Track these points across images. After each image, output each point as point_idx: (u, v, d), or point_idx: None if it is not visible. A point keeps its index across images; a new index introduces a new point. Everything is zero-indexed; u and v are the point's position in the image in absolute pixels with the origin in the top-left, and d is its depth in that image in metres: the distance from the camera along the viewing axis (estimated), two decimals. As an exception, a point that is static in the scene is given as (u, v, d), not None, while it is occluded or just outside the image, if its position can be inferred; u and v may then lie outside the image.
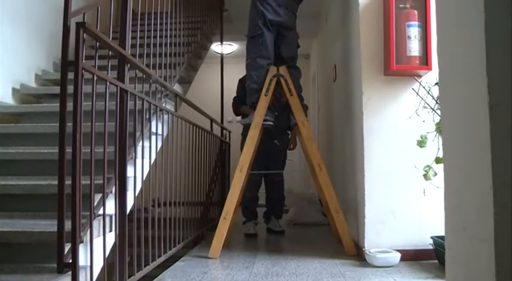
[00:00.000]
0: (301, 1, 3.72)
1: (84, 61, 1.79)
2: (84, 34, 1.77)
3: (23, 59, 4.03)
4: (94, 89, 1.87)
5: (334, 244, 3.56)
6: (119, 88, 2.08)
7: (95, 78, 1.86)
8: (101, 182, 2.08)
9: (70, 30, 1.76)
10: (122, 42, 2.23)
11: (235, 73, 5.21)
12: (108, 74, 2.09)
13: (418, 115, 2.85)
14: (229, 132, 5.40)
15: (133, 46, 2.72)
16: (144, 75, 2.61)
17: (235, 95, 4.53)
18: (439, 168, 2.38)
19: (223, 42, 6.02)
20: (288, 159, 4.64)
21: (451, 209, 1.36)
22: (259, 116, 3.30)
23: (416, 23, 3.01)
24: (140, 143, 2.52)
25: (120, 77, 2.14)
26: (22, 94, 3.90)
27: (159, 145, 3.08)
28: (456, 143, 1.33)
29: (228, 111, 6.18)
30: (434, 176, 2.62)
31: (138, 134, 2.47)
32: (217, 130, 4.88)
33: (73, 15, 1.77)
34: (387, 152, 3.00)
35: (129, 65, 2.26)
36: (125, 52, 2.15)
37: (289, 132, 4.36)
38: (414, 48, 2.99)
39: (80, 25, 1.71)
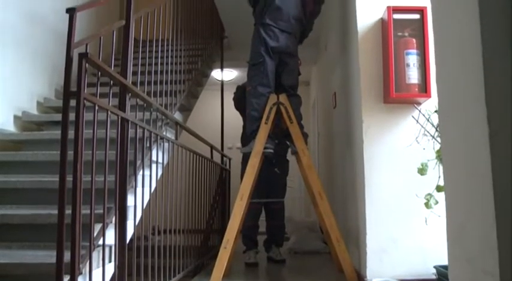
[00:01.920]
0: (304, 28, 3.76)
1: (86, 89, 1.81)
2: (87, 64, 1.79)
3: (26, 87, 4.06)
4: (95, 119, 1.87)
5: (336, 274, 3.52)
6: (120, 117, 2.09)
7: (97, 108, 1.86)
8: (101, 211, 2.07)
9: (73, 60, 1.77)
10: (124, 71, 2.25)
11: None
12: (109, 101, 2.11)
13: (418, 143, 2.85)
14: (230, 159, 5.39)
15: (134, 73, 2.75)
16: (145, 104, 2.63)
17: (235, 121, 4.54)
18: (441, 196, 2.37)
19: (224, 69, 6.07)
20: (288, 186, 4.63)
21: (453, 240, 1.35)
22: (260, 144, 3.30)
23: (414, 51, 3.04)
24: (141, 172, 2.52)
25: (122, 106, 2.15)
26: (23, 121, 3.91)
27: (160, 173, 3.08)
28: (457, 173, 1.33)
29: (228, 137, 6.22)
30: (435, 204, 2.60)
31: (138, 162, 2.47)
32: (217, 157, 4.88)
33: (76, 46, 1.79)
34: (388, 180, 2.99)
35: (130, 94, 2.27)
36: (126, 82, 2.17)
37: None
38: (413, 76, 3.01)
39: (82, 56, 1.72)
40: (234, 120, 4.61)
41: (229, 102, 5.79)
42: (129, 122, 2.20)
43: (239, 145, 4.61)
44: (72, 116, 1.80)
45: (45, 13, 4.32)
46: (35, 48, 4.18)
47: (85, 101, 1.80)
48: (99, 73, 1.99)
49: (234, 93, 4.64)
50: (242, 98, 3.78)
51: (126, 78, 2.25)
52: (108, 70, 1.93)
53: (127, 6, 2.34)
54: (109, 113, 2.01)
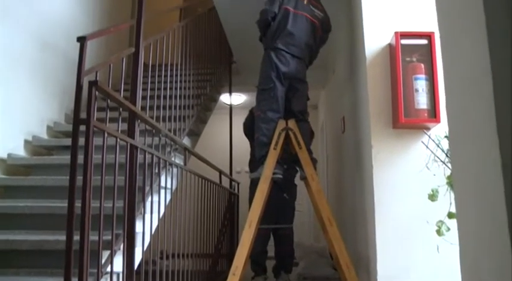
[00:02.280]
0: (314, 54, 3.78)
1: (95, 116, 1.82)
2: (96, 92, 1.80)
3: (36, 111, 4.09)
4: (104, 145, 1.88)
5: (346, 300, 3.45)
6: (129, 144, 2.10)
7: (106, 135, 1.87)
8: (109, 238, 2.06)
9: (83, 87, 1.79)
10: (133, 98, 2.26)
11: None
12: (118, 127, 2.12)
13: (428, 169, 2.83)
14: (238, 183, 5.38)
15: (143, 97, 2.76)
16: (154, 130, 2.64)
17: (243, 145, 4.53)
18: (452, 223, 2.33)
19: (232, 93, 6.10)
20: (296, 210, 4.59)
21: (466, 270, 1.32)
22: (269, 169, 3.29)
23: (423, 76, 3.04)
24: (149, 198, 2.52)
25: (131, 133, 2.16)
26: (34, 146, 3.93)
27: (168, 198, 3.07)
28: (469, 200, 1.31)
29: (237, 161, 6.22)
30: (447, 231, 2.56)
31: (147, 188, 2.47)
32: (226, 181, 4.87)
33: (86, 73, 1.81)
34: (398, 206, 2.96)
35: (139, 120, 2.28)
36: (135, 108, 2.18)
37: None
38: (422, 101, 3.00)
39: (92, 84, 1.74)
40: (243, 144, 4.60)
41: (237, 126, 5.81)
42: (138, 148, 2.20)
43: (248, 169, 4.60)
44: (81, 141, 1.82)
45: (57, 40, 4.39)
46: (46, 74, 4.23)
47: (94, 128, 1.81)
48: (108, 100, 2.00)
49: (246, 118, 4.63)
50: (252, 124, 3.78)
51: (135, 104, 2.26)
52: (117, 97, 1.95)
53: (136, 34, 2.37)
54: (118, 140, 2.01)
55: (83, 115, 1.81)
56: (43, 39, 4.18)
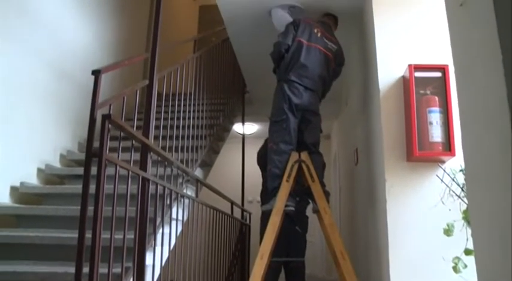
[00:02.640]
0: (327, 87, 3.78)
1: (108, 147, 1.82)
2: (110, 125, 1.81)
3: (50, 140, 4.12)
4: (116, 178, 1.87)
5: None
6: (141, 177, 2.09)
7: (118, 168, 1.87)
8: (119, 270, 2.04)
9: (96, 120, 1.79)
10: (146, 130, 2.26)
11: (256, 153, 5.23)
12: (131, 159, 2.12)
13: (443, 203, 2.78)
14: (250, 213, 5.34)
15: (156, 127, 2.76)
16: (167, 162, 2.63)
17: (256, 174, 4.50)
18: (470, 260, 2.27)
19: (245, 123, 6.11)
20: (308, 241, 4.53)
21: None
22: (281, 202, 3.25)
23: (437, 108, 3.02)
24: (160, 230, 2.50)
25: (143, 166, 2.16)
26: (46, 174, 3.95)
27: (179, 230, 3.05)
28: (486, 237, 1.27)
29: (249, 191, 6.18)
30: (464, 268, 2.49)
31: (158, 220, 2.45)
32: (237, 211, 4.84)
33: (100, 106, 1.82)
34: (413, 240, 2.90)
35: (152, 152, 2.28)
36: (148, 141, 2.18)
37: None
38: (436, 134, 2.98)
39: (105, 117, 1.74)
40: (255, 173, 4.58)
41: (250, 155, 5.81)
42: (150, 181, 2.19)
43: (259, 198, 4.57)
44: (94, 170, 1.81)
45: (73, 69, 4.45)
46: (61, 102, 4.28)
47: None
48: (121, 133, 2.00)
49: (261, 147, 4.60)
50: (266, 154, 3.77)
51: (148, 136, 2.26)
52: (130, 130, 1.95)
53: (150, 68, 2.39)
54: (130, 173, 2.01)
55: (96, 144, 1.82)
56: (59, 69, 4.24)
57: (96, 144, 1.81)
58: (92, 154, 1.75)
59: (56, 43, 4.20)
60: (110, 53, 5.27)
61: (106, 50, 5.20)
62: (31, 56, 3.82)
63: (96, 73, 1.88)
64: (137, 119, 2.54)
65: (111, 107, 2.09)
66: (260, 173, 4.55)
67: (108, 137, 1.83)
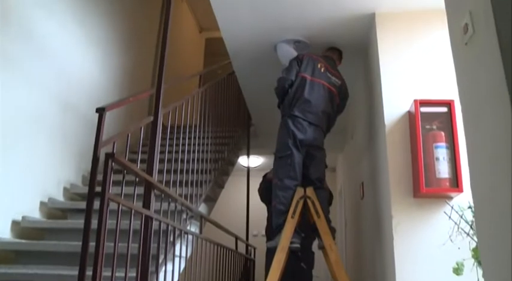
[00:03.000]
0: (332, 122, 3.76)
1: (111, 183, 1.79)
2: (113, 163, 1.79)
3: (54, 172, 4.10)
4: (118, 218, 1.84)
5: None
6: (143, 215, 2.06)
7: (120, 207, 1.84)
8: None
9: (99, 158, 1.78)
10: (150, 168, 2.24)
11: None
12: (134, 198, 2.09)
13: (452, 241, 2.72)
14: (254, 248, 5.26)
15: (161, 161, 2.74)
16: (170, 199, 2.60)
17: (261, 207, 4.45)
18: (481, 302, 2.21)
19: (250, 155, 6.08)
20: (315, 276, 4.43)
21: None
22: (286, 239, 3.20)
23: (444, 144, 3.00)
24: (163, 268, 2.45)
25: (146, 204, 2.13)
26: (49, 208, 3.91)
27: (182, 266, 2.99)
28: (499, 279, 1.22)
29: (254, 224, 6.10)
30: (475, 311, 2.42)
31: (161, 257, 2.40)
32: (242, 245, 4.77)
33: (104, 144, 1.80)
34: (421, 279, 2.83)
35: (155, 190, 2.25)
36: (152, 179, 2.15)
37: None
38: (443, 170, 2.94)
39: (109, 156, 1.73)
40: (260, 206, 4.52)
41: (255, 188, 5.75)
42: (153, 219, 2.16)
43: (264, 232, 4.50)
44: (97, 204, 1.78)
45: (78, 102, 4.47)
46: (65, 135, 4.27)
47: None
48: (125, 171, 1.98)
49: (260, 183, 4.58)
50: (266, 189, 3.73)
51: (151, 174, 2.23)
52: (134, 169, 1.93)
53: (155, 105, 2.38)
54: (133, 211, 1.98)
55: (99, 176, 1.79)
56: (65, 101, 4.25)
57: (99, 177, 1.78)
58: (94, 193, 1.72)
59: (62, 75, 4.22)
60: (116, 85, 5.30)
61: (112, 82, 5.23)
62: (37, 88, 3.83)
63: (101, 111, 1.87)
64: (142, 152, 2.53)
65: (116, 141, 2.08)
66: (264, 206, 4.50)
67: (111, 175, 1.80)
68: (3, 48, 3.40)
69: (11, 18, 3.49)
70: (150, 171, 2.24)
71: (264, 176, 4.55)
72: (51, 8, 4.07)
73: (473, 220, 2.61)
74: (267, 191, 3.79)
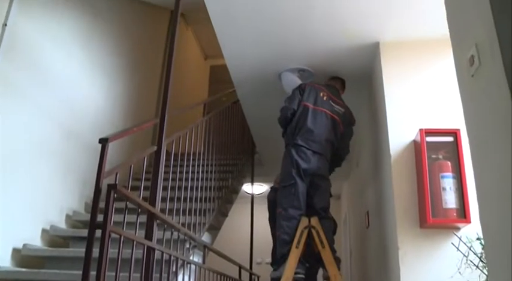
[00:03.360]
0: (336, 150, 3.74)
1: (113, 214, 1.77)
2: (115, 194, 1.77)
3: (56, 199, 4.07)
4: (120, 251, 1.81)
5: None
6: (145, 246, 2.03)
7: (122, 239, 1.81)
8: None
9: (101, 190, 1.76)
10: (153, 198, 2.21)
11: (265, 213, 5.13)
12: (136, 226, 2.06)
13: (460, 274, 2.66)
14: (258, 276, 5.18)
15: (164, 188, 2.71)
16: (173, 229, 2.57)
17: (264, 234, 4.37)
18: None
19: (254, 183, 6.05)
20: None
21: None
22: (290, 269, 3.15)
23: (450, 174, 2.97)
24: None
25: (148, 234, 2.09)
26: (51, 235, 3.87)
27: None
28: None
29: (258, 251, 6.03)
30: None
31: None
32: (246, 274, 4.70)
33: (106, 175, 1.78)
34: (429, 313, 2.77)
35: (158, 221, 2.22)
36: (155, 210, 2.13)
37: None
38: (450, 200, 2.91)
39: (111, 187, 1.70)
40: (264, 234, 4.45)
41: (258, 215, 5.71)
42: (155, 250, 2.12)
43: (269, 259, 4.42)
44: (98, 232, 1.75)
45: (81, 129, 4.46)
46: (68, 161, 4.26)
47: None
48: (127, 203, 1.96)
49: (269, 191, 4.45)
50: (274, 202, 3.65)
51: (154, 204, 2.20)
52: (136, 200, 1.91)
53: (159, 135, 2.37)
54: (135, 242, 1.95)
55: (102, 204, 1.77)
56: (68, 129, 4.25)
57: (102, 204, 1.76)
58: (95, 225, 1.70)
59: (65, 102, 4.23)
60: (121, 112, 5.31)
61: (116, 109, 5.25)
62: (40, 115, 3.84)
63: (104, 142, 1.86)
64: (145, 179, 2.51)
65: (119, 172, 2.07)
66: (269, 233, 4.40)
67: (113, 207, 1.78)
68: (8, 75, 3.42)
69: (17, 45, 3.52)
70: (153, 201, 2.21)
71: (272, 187, 4.43)
72: (56, 35, 4.11)
73: (483, 252, 2.56)
74: (273, 203, 3.72)
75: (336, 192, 8.12)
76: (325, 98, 3.67)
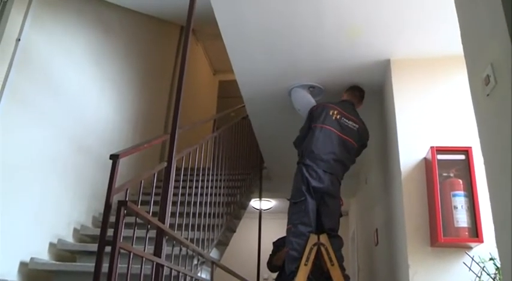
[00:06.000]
0: (348, 168, 3.71)
1: (123, 229, 1.76)
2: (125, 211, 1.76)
3: (64, 213, 4.06)
4: (129, 267, 1.79)
5: None
6: (155, 263, 2.01)
7: (131, 256, 1.80)
8: None
9: (111, 206, 1.75)
10: (162, 214, 2.20)
11: (273, 228, 5.12)
12: (145, 243, 2.05)
13: (474, 296, 2.61)
14: (265, 293, 5.13)
15: (173, 203, 2.70)
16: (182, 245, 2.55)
17: (271, 249, 4.34)
18: None
19: (262, 198, 6.02)
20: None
21: None
22: (299, 286, 3.12)
23: (462, 192, 2.94)
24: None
25: (157, 251, 2.08)
26: (58, 249, 3.85)
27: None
28: None
29: (265, 268, 5.97)
30: None
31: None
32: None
33: (116, 191, 1.77)
34: None
35: (167, 237, 2.21)
36: (164, 226, 2.12)
37: None
38: (462, 219, 2.87)
39: (121, 204, 1.70)
40: (271, 249, 4.41)
41: (266, 231, 5.68)
42: (164, 266, 2.11)
43: (275, 275, 4.37)
44: (108, 247, 1.74)
45: (91, 143, 4.48)
46: (76, 175, 4.26)
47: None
48: (136, 219, 1.95)
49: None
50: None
51: (164, 220, 2.19)
52: (146, 217, 1.90)
53: (169, 152, 2.36)
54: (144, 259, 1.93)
55: (112, 218, 1.75)
56: (78, 143, 4.26)
57: (112, 218, 1.74)
58: (105, 241, 1.69)
59: (77, 116, 4.25)
60: (131, 126, 5.33)
61: (127, 123, 5.26)
62: (51, 129, 3.85)
63: (114, 158, 1.86)
64: (155, 194, 2.49)
65: (129, 188, 2.06)
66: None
67: (123, 223, 1.77)
68: (21, 89, 3.44)
69: (29, 60, 3.55)
70: (162, 217, 2.20)
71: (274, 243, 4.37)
72: (68, 51, 4.15)
73: (497, 272, 2.52)
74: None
75: (344, 208, 8.04)
76: (334, 117, 3.63)
